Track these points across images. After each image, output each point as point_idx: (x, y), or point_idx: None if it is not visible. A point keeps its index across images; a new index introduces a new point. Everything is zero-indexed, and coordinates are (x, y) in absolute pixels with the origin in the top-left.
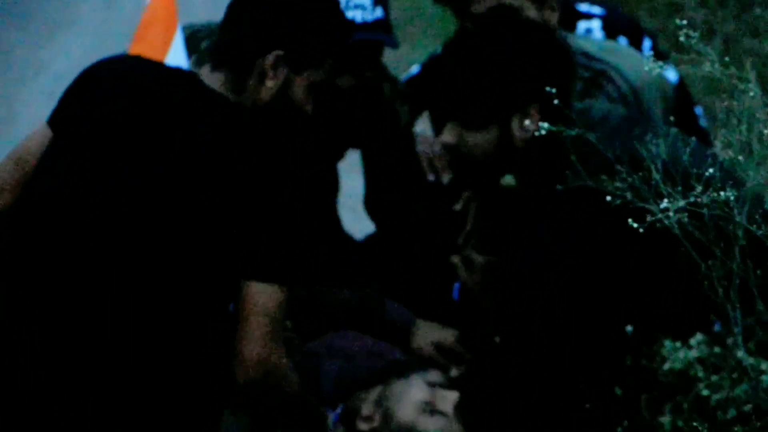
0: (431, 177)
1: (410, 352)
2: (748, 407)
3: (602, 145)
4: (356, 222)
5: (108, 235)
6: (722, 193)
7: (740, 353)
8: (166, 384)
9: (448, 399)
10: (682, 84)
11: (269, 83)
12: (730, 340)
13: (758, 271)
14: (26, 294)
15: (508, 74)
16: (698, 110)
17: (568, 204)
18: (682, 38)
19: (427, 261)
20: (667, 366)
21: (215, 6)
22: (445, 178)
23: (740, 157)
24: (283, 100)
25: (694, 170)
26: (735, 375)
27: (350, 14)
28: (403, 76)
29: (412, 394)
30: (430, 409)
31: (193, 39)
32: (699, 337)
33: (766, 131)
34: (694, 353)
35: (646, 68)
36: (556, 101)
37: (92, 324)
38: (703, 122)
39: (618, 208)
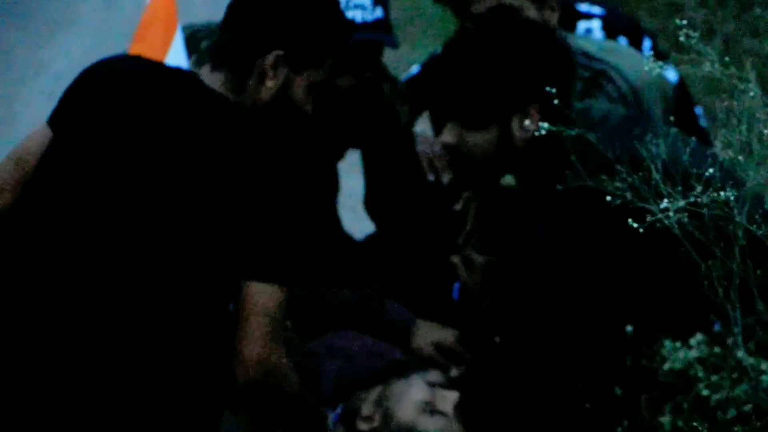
0: (431, 177)
1: (410, 352)
2: (748, 407)
3: (602, 145)
4: (356, 222)
5: (108, 235)
6: (722, 193)
7: (740, 353)
8: (166, 384)
9: (448, 399)
10: (682, 84)
11: (269, 83)
12: (730, 340)
13: (758, 271)
14: (26, 294)
15: (508, 74)
16: (698, 110)
17: (568, 204)
18: (682, 38)
19: (427, 261)
20: (667, 366)
21: (215, 6)
22: (445, 178)
23: (740, 157)
24: (283, 100)
25: (694, 170)
26: (735, 375)
27: (350, 14)
28: (403, 76)
29: (412, 394)
30: (430, 409)
31: (193, 39)
32: (699, 337)
33: (766, 131)
34: (694, 353)
35: (646, 68)
36: (556, 101)
37: (92, 324)
38: (703, 122)
39: (618, 208)
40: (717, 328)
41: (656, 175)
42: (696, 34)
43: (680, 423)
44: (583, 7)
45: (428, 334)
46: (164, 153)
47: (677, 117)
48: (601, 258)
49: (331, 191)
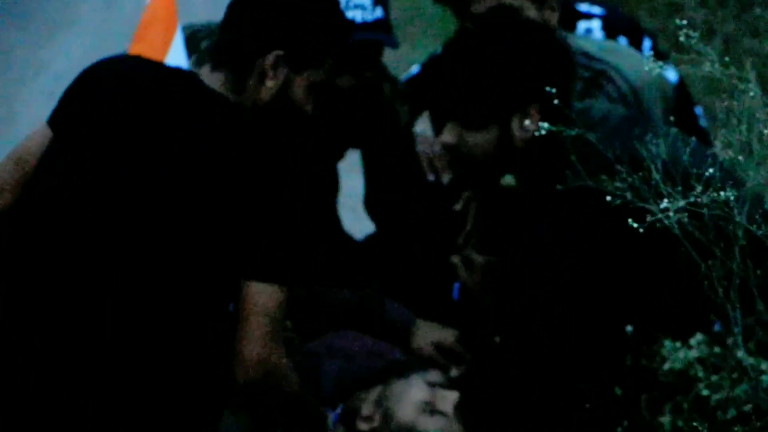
0: (431, 177)
1: (410, 352)
2: (748, 407)
3: (602, 145)
4: (356, 222)
5: (108, 235)
6: (722, 193)
7: (740, 353)
8: (166, 384)
9: (448, 399)
10: (682, 84)
11: (269, 83)
12: (730, 340)
13: (758, 271)
14: (26, 294)
15: (508, 74)
16: (698, 110)
17: (568, 204)
18: (682, 38)
19: (427, 261)
20: (667, 366)
21: (215, 6)
22: (445, 178)
23: (740, 157)
24: (283, 100)
25: (694, 170)
26: (735, 375)
27: (350, 14)
28: (403, 76)
29: (412, 394)
30: (430, 409)
31: (193, 39)
32: (699, 337)
33: (766, 131)
34: (694, 353)
35: (646, 68)
36: (556, 101)
37: (92, 324)
38: (703, 122)
39: (618, 208)
40: (717, 328)
41: (656, 175)
42: (696, 34)
43: (680, 423)
44: (583, 7)
45: (428, 334)
46: (164, 153)
47: (677, 117)
48: (601, 258)
49: (331, 191)
